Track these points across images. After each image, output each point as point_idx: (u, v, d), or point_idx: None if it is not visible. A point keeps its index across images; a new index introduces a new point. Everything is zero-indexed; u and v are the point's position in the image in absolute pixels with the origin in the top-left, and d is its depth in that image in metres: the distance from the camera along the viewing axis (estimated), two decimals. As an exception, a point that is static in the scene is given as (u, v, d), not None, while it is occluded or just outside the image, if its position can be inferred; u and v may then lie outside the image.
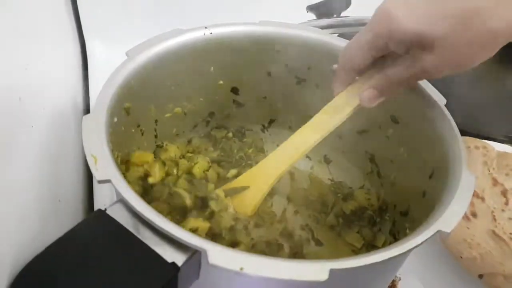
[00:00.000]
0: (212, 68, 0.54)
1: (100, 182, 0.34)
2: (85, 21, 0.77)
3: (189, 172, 0.52)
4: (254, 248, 0.49)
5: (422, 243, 0.33)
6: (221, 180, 0.53)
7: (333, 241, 0.54)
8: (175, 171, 0.51)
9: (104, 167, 0.34)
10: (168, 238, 0.31)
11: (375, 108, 0.44)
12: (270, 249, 0.50)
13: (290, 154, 0.47)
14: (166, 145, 0.55)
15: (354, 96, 0.43)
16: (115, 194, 0.39)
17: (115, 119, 0.42)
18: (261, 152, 0.60)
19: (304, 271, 0.29)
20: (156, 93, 0.50)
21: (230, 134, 0.60)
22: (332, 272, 0.29)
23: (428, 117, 0.45)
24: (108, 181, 0.34)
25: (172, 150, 0.54)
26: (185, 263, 0.31)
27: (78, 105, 0.67)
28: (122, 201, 0.33)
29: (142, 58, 0.47)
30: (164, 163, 0.50)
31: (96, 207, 0.51)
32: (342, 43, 0.53)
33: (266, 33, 0.53)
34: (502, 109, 0.76)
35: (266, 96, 0.59)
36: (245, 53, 0.54)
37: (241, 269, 0.29)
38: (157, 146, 0.54)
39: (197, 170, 0.51)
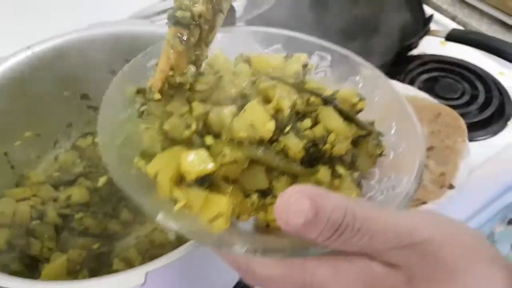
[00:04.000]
0: (49, 84, 0.53)
1: None
2: None
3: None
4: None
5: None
6: (92, 192, 0.53)
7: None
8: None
9: None
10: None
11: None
12: None
13: None
14: (27, 173, 0.54)
15: None
16: None
17: None
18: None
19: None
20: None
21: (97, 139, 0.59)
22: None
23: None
24: None
25: (35, 176, 0.53)
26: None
27: None
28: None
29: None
30: None
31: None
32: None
33: (91, 37, 0.52)
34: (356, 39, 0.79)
35: (120, 93, 0.59)
36: (78, 61, 0.53)
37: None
38: (19, 176, 0.53)
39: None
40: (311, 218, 0.21)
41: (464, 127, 0.64)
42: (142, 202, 0.26)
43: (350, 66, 0.36)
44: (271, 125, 0.28)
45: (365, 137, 0.32)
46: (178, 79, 0.30)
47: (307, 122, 0.30)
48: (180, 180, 0.27)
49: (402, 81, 0.71)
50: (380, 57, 0.74)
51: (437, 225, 0.25)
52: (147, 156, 0.29)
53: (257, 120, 0.28)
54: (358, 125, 0.31)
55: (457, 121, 0.65)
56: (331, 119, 0.30)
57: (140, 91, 0.32)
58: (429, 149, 0.63)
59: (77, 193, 0.52)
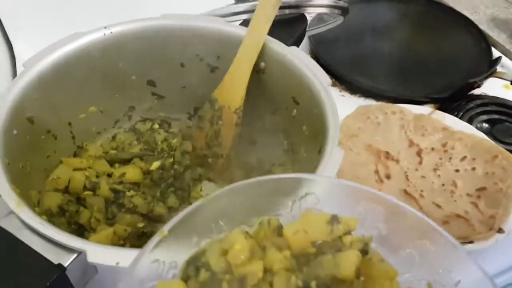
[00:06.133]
0: (120, 64, 0.55)
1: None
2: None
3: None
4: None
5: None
6: (144, 174, 0.55)
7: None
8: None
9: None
10: (55, 243, 0.34)
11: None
12: None
13: (255, 45, 0.52)
14: (86, 145, 0.56)
15: None
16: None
17: (15, 132, 0.44)
18: (188, 139, 0.62)
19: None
20: (63, 98, 0.51)
21: (156, 126, 0.61)
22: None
23: (317, 98, 0.47)
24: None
25: (92, 150, 0.56)
26: (71, 263, 0.33)
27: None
28: (14, 213, 0.35)
29: (39, 67, 0.48)
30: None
31: None
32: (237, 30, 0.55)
33: (167, 27, 0.55)
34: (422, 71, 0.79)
35: (185, 86, 0.61)
36: (151, 47, 0.55)
37: (117, 263, 0.32)
38: (78, 147, 0.56)
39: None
40: None
41: (521, 173, 0.62)
42: None
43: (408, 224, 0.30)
44: None
45: None
46: None
47: None
48: None
49: (460, 118, 0.70)
50: (439, 90, 0.74)
51: None
52: None
53: None
54: None
55: (514, 166, 0.63)
56: None
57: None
58: (481, 189, 0.61)
59: (131, 172, 0.53)
